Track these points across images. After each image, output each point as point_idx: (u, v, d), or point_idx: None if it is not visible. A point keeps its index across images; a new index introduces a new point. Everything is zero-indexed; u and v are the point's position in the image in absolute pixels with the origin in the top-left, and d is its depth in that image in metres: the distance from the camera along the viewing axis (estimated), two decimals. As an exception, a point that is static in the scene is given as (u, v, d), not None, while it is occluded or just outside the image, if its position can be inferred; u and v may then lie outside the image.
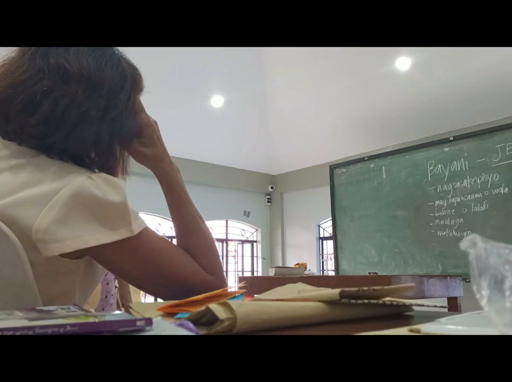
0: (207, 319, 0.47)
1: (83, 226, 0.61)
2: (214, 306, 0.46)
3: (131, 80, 0.74)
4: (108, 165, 0.74)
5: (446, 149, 4.05)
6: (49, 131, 0.66)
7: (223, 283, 0.75)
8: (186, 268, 0.71)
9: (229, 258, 7.58)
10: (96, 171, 0.71)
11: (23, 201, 0.60)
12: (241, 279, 5.18)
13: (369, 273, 4.00)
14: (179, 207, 0.78)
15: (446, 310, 0.70)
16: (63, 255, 0.61)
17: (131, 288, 2.66)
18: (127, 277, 0.69)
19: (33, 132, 0.66)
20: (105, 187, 0.64)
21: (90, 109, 0.67)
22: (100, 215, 0.62)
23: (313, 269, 6.43)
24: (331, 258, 6.74)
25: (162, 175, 0.79)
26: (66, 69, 0.67)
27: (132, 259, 0.66)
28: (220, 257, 0.81)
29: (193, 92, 5.75)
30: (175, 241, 0.77)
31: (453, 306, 3.16)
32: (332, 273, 6.48)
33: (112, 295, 2.29)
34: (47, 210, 0.59)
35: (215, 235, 7.31)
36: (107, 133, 0.69)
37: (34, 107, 0.65)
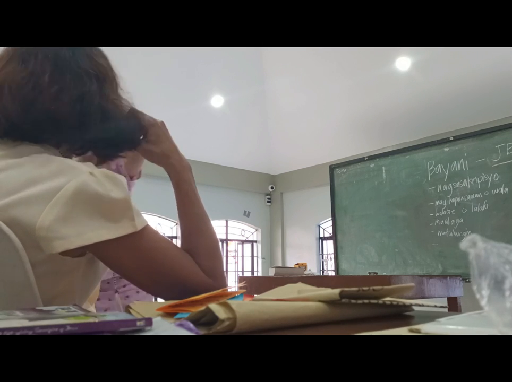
0: (207, 319, 0.47)
1: (86, 222, 0.61)
2: (214, 306, 0.46)
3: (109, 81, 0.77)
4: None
5: (446, 149, 4.05)
6: (46, 129, 0.67)
7: (222, 286, 0.74)
8: (185, 269, 0.71)
9: (229, 258, 7.58)
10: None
11: (25, 200, 0.60)
12: (241, 279, 5.18)
13: (369, 273, 4.00)
14: (185, 206, 0.79)
15: (446, 310, 0.70)
16: (64, 253, 0.62)
17: None
18: (128, 275, 0.69)
19: (29, 129, 0.67)
20: (107, 183, 0.64)
21: (91, 106, 0.69)
22: (102, 211, 0.62)
23: (313, 269, 6.43)
24: (331, 258, 6.74)
25: (171, 173, 0.81)
26: (65, 67, 0.68)
27: (133, 256, 0.66)
28: (223, 260, 0.81)
29: (193, 92, 5.75)
30: (174, 241, 0.77)
31: (453, 306, 3.16)
32: (332, 273, 6.48)
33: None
34: (49, 208, 0.59)
35: (215, 235, 7.30)
36: (105, 134, 0.71)
37: (33, 104, 0.66)
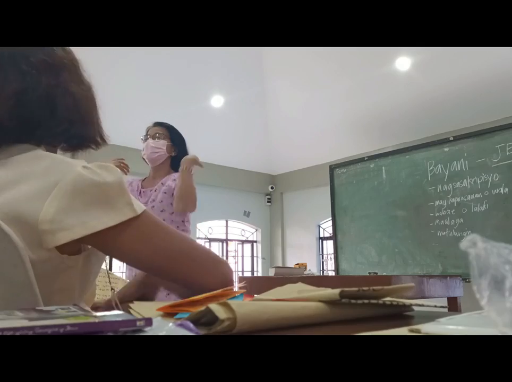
0: (207, 319, 0.47)
1: (88, 212, 0.62)
2: (214, 306, 0.46)
3: None
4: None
5: (446, 149, 4.05)
6: (27, 124, 0.68)
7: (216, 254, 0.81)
8: (187, 241, 0.74)
9: (229, 258, 7.58)
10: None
11: (22, 196, 0.60)
12: (241, 279, 5.18)
13: (369, 273, 4.00)
14: None
15: (446, 310, 0.70)
16: (62, 251, 0.62)
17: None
18: (136, 261, 0.69)
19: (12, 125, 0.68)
20: (102, 172, 0.65)
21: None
22: (101, 199, 0.63)
23: (313, 269, 6.42)
24: (331, 258, 6.74)
25: None
26: (5, 65, 0.69)
27: (137, 241, 0.67)
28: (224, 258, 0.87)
29: (193, 92, 5.75)
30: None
31: (453, 306, 3.16)
32: (332, 273, 6.48)
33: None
34: (49, 202, 0.60)
35: (215, 235, 7.31)
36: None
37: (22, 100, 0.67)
